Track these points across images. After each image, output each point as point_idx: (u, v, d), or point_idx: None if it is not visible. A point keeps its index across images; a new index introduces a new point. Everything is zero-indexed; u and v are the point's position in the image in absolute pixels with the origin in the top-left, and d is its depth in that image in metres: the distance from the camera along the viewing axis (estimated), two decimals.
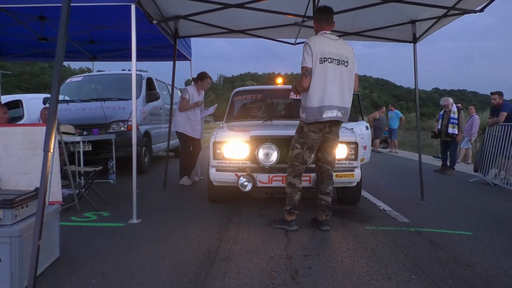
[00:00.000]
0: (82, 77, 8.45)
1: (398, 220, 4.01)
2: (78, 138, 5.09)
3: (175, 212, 4.29)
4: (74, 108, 7.03)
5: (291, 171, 3.58)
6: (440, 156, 8.70)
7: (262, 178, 3.90)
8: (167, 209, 4.43)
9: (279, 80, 6.04)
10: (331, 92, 3.38)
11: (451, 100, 8.25)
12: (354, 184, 4.12)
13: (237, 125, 4.95)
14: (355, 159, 4.04)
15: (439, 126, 8.30)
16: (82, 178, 5.06)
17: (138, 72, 7.93)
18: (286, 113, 5.49)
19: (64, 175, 4.18)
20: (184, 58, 6.66)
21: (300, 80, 3.43)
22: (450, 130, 7.94)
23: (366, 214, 4.25)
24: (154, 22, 4.63)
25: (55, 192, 3.30)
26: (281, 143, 3.97)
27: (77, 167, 4.66)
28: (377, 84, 79.16)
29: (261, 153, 3.91)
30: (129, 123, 6.73)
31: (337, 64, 3.38)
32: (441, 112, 8.44)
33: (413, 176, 5.79)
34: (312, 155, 3.67)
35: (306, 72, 3.37)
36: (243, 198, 4.88)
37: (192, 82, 6.08)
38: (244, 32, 5.62)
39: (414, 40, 5.24)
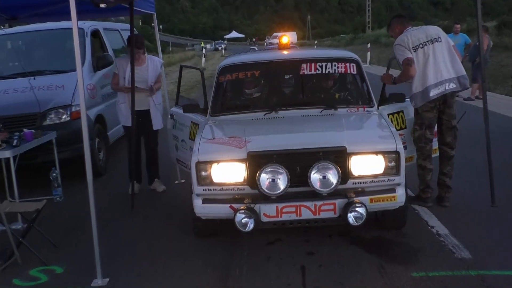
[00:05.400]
0: None
1: (455, 256, 4.30)
2: (6, 154, 5.27)
3: (152, 258, 4.60)
4: None
5: (420, 154, 5.30)
6: None
7: (268, 211, 4.15)
8: (140, 252, 4.75)
9: (285, 39, 6.02)
10: (435, 70, 5.07)
11: None
12: (397, 207, 4.36)
13: (227, 121, 5.11)
14: (397, 173, 4.24)
15: None
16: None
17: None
18: (297, 97, 5.63)
19: None
20: (144, 12, 6.68)
21: (406, 71, 5.14)
22: None
23: (412, 245, 4.54)
24: None
25: None
26: (293, 160, 4.17)
27: (11, 204, 4.89)
28: None
29: (263, 179, 4.11)
30: (74, 109, 6.88)
31: (431, 44, 5.12)
32: None
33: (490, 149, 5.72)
34: (434, 132, 5.29)
35: (409, 62, 5.07)
36: None
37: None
38: None
39: None
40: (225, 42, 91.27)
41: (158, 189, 6.56)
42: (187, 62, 38.26)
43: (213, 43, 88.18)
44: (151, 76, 6.31)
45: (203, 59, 34.14)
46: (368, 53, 29.79)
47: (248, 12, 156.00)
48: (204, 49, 42.85)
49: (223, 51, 60.01)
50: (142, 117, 6.27)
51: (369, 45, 31.96)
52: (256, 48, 33.49)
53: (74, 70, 6.80)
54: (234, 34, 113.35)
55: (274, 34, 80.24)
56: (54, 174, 6.26)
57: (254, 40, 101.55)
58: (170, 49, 64.83)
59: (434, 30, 5.30)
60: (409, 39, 5.16)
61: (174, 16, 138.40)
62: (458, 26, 13.74)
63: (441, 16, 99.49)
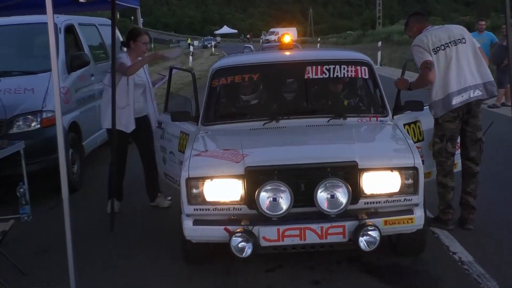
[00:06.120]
0: None
1: (481, 286, 4.31)
2: None
3: (135, 286, 4.63)
4: None
5: (440, 170, 5.34)
6: None
7: (268, 234, 4.17)
8: (121, 280, 4.76)
9: (287, 38, 6.09)
10: (458, 75, 5.12)
11: None
12: (414, 231, 4.40)
13: (221, 131, 5.15)
14: (415, 192, 4.29)
15: None
16: None
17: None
18: (301, 104, 5.69)
19: None
20: (126, 6, 6.74)
21: (424, 76, 5.15)
22: None
23: (432, 274, 4.57)
24: None
25: None
26: (297, 176, 4.21)
27: None
28: None
29: (263, 198, 4.13)
30: (45, 115, 6.90)
31: (454, 45, 5.18)
32: None
33: None
34: (456, 145, 5.36)
35: (428, 65, 5.10)
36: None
37: (124, 49, 6.27)
38: None
39: None
40: (218, 38, 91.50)
41: (163, 204, 6.57)
42: (171, 61, 38.19)
43: (202, 39, 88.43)
44: (148, 76, 6.46)
45: (190, 57, 34.22)
46: (379, 53, 29.97)
47: (242, 4, 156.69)
48: (191, 47, 42.88)
49: (213, 49, 60.15)
50: (138, 125, 6.31)
51: (379, 43, 32.15)
52: (252, 47, 33.58)
53: (45, 71, 6.91)
54: (225, 29, 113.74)
55: (271, 29, 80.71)
56: (22, 190, 6.24)
57: (248, 36, 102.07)
58: (152, 45, 64.93)
59: (458, 30, 5.35)
60: (429, 40, 5.19)
61: (157, 9, 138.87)
62: (483, 23, 13.75)
63: (462, 11, 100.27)
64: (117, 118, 6.17)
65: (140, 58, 6.14)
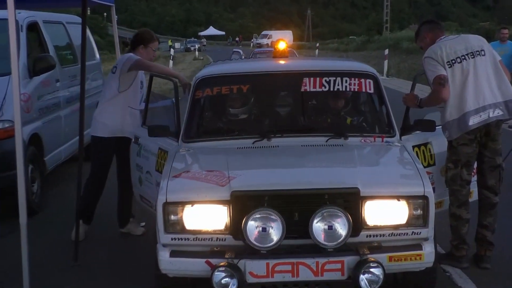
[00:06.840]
0: None
1: None
2: None
3: None
4: None
5: (454, 200, 5.33)
6: None
7: (256, 269, 4.14)
8: None
9: (282, 45, 6.12)
10: (476, 92, 5.14)
11: None
12: (423, 269, 4.40)
13: (204, 149, 5.17)
14: (425, 224, 4.28)
15: None
16: None
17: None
18: (296, 121, 5.73)
19: None
20: (100, 3, 6.78)
21: (437, 93, 5.21)
22: None
23: None
24: None
25: None
26: (290, 203, 4.21)
27: None
28: None
29: (251, 227, 4.11)
30: (2, 125, 6.89)
31: (472, 58, 5.20)
32: None
33: None
34: (472, 172, 5.37)
35: (442, 81, 5.12)
36: None
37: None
38: None
39: None
40: (203, 40, 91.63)
41: (135, 231, 6.56)
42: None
43: (184, 41, 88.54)
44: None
45: (171, 62, 34.29)
46: (386, 62, 30.10)
47: (231, 3, 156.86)
48: (172, 49, 43.02)
49: (196, 52, 60.22)
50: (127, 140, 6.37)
51: (386, 51, 32.24)
52: (241, 51, 33.62)
53: (3, 74, 6.90)
54: (211, 30, 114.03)
55: (264, 32, 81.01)
56: None
57: (237, 39, 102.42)
58: (128, 47, 64.98)
59: (476, 41, 5.39)
60: (443, 51, 5.22)
61: (134, 5, 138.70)
62: (506, 31, 13.78)
63: (481, 16, 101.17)
64: (125, 123, 6.26)
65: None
